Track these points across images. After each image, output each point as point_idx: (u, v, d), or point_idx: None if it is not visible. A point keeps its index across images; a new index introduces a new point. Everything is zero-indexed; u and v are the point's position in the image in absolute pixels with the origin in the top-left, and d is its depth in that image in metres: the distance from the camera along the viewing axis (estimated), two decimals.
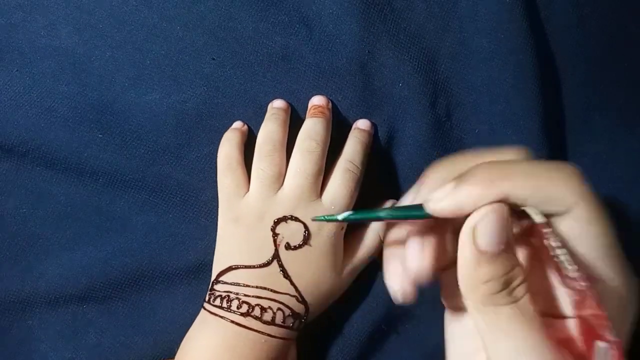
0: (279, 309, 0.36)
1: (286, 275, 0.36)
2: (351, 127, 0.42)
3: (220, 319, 0.36)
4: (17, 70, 0.40)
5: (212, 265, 0.39)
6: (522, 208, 0.21)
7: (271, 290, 0.36)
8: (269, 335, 0.35)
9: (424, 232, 0.24)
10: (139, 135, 0.41)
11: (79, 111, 0.41)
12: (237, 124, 0.41)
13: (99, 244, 0.41)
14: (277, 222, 0.37)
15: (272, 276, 0.36)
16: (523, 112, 0.42)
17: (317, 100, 0.41)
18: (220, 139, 0.41)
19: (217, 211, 0.40)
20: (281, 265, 0.36)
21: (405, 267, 0.24)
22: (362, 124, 0.41)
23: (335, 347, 0.42)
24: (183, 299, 0.41)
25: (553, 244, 0.20)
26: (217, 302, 0.36)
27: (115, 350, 0.41)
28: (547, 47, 0.43)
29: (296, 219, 0.37)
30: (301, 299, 0.37)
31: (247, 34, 0.41)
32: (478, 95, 0.42)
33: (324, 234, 0.38)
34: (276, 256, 0.37)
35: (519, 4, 0.41)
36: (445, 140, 0.42)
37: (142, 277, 0.41)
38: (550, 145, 0.42)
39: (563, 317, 0.22)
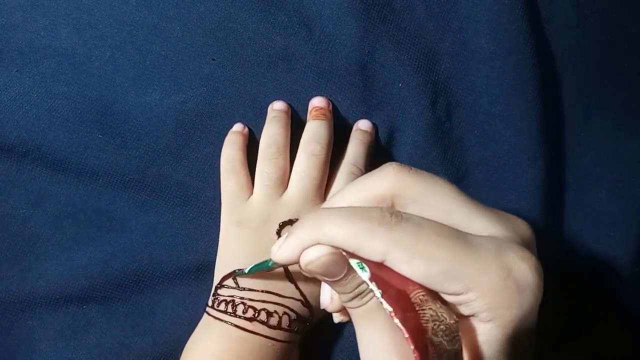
0: (284, 313, 0.36)
1: (292, 279, 0.36)
2: (351, 127, 0.42)
3: (225, 323, 0.35)
4: (17, 71, 0.40)
5: (212, 265, 0.39)
6: (349, 259, 0.22)
7: (277, 295, 0.36)
8: (274, 339, 0.35)
9: None
10: (139, 135, 0.41)
11: (78, 111, 0.41)
12: (239, 127, 0.41)
13: (99, 244, 0.41)
14: (283, 225, 0.37)
15: (277, 280, 0.36)
16: (522, 112, 0.42)
17: (317, 102, 0.41)
18: (220, 139, 0.41)
19: (218, 211, 0.40)
20: (287, 269, 0.36)
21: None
22: (363, 124, 0.41)
23: (335, 347, 0.42)
24: (183, 299, 0.41)
25: (372, 289, 0.22)
26: (222, 306, 0.36)
27: (115, 350, 0.41)
28: (547, 48, 0.43)
29: None
30: (306, 303, 0.37)
31: (247, 34, 0.41)
32: (477, 95, 0.42)
33: None
34: None
35: (518, 5, 0.41)
36: (445, 141, 0.42)
37: (142, 277, 0.41)
38: (548, 146, 0.42)
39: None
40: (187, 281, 0.41)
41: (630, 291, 0.44)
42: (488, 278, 0.21)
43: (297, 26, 0.41)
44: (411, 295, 0.22)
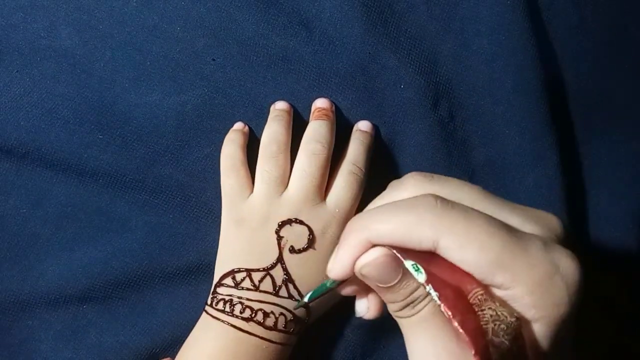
0: (281, 313, 0.36)
1: (290, 279, 0.36)
2: (351, 128, 0.42)
3: (222, 323, 0.35)
4: (17, 72, 0.40)
5: (212, 265, 0.39)
6: (404, 261, 0.22)
7: (274, 295, 0.36)
8: (270, 341, 0.35)
9: None
10: (140, 136, 0.41)
11: (79, 112, 0.41)
12: (239, 125, 0.41)
13: (99, 244, 0.41)
14: (282, 224, 0.37)
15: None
16: (524, 112, 0.42)
17: (321, 103, 0.41)
18: (220, 140, 0.41)
19: (218, 212, 0.40)
20: (285, 269, 0.36)
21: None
22: (363, 125, 0.41)
23: (335, 348, 0.42)
24: (183, 299, 0.41)
25: (429, 291, 0.21)
26: (220, 305, 0.36)
27: (115, 350, 0.41)
28: (549, 49, 0.43)
29: (301, 222, 0.37)
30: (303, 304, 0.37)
31: (247, 35, 0.41)
32: (480, 96, 0.42)
33: (327, 237, 0.37)
34: (280, 259, 0.36)
35: (520, 6, 0.41)
36: (449, 142, 0.42)
37: (142, 277, 0.41)
38: (552, 147, 0.42)
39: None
40: (187, 281, 0.41)
41: (632, 292, 0.44)
42: (536, 272, 0.21)
43: (297, 27, 0.41)
44: (470, 296, 0.21)
